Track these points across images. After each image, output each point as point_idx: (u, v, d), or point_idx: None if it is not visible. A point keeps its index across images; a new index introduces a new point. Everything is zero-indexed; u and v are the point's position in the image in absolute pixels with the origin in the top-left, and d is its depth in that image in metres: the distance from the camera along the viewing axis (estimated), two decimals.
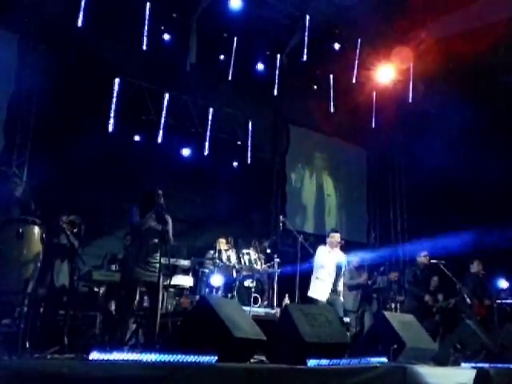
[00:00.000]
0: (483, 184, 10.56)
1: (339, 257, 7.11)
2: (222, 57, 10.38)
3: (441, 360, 5.34)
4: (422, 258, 8.66)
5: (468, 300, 8.19)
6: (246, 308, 6.82)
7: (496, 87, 10.40)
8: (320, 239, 8.09)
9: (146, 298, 5.89)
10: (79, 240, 5.79)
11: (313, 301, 6.86)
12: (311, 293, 6.98)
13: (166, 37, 9.85)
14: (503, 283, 9.59)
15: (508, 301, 9.05)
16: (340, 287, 7.07)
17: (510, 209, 9.99)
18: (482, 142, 10.72)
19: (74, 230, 5.64)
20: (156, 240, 5.22)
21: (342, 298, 7.15)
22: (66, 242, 5.52)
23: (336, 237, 7.18)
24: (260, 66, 10.90)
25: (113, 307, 6.80)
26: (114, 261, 7.34)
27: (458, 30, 9.75)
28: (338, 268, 7.02)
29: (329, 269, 6.93)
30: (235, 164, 10.93)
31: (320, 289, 6.89)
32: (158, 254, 5.15)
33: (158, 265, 5.10)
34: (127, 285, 5.33)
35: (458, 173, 10.97)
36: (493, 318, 7.76)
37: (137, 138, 9.84)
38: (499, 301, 8.58)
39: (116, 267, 7.11)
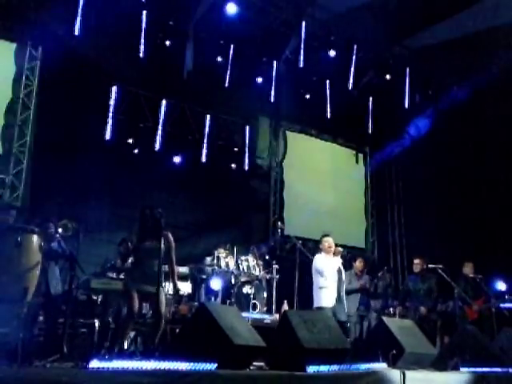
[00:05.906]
0: (482, 183, 10.63)
1: (336, 262, 6.88)
2: (218, 64, 10.41)
3: (440, 365, 5.33)
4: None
5: (459, 302, 8.14)
6: (245, 314, 6.80)
7: None
8: (319, 245, 8.03)
9: (144, 305, 5.89)
10: (77, 246, 5.69)
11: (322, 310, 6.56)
12: (317, 303, 6.66)
13: (163, 44, 9.88)
14: (501, 285, 9.56)
15: (506, 304, 9.01)
16: (342, 293, 6.86)
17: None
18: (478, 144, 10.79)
19: (69, 234, 5.52)
20: (153, 256, 5.21)
21: (345, 305, 6.90)
22: (57, 248, 5.45)
23: (328, 241, 6.93)
24: (257, 73, 10.95)
25: (111, 315, 6.79)
26: (112, 269, 7.31)
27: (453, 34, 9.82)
28: (338, 273, 6.84)
29: (328, 275, 6.70)
30: (233, 170, 10.94)
31: (326, 297, 6.63)
32: (157, 269, 5.15)
33: (156, 278, 5.09)
34: (126, 293, 5.45)
35: (457, 175, 11.02)
36: (491, 322, 7.74)
37: (134, 145, 9.85)
38: (502, 305, 8.51)
39: (114, 275, 7.08)
